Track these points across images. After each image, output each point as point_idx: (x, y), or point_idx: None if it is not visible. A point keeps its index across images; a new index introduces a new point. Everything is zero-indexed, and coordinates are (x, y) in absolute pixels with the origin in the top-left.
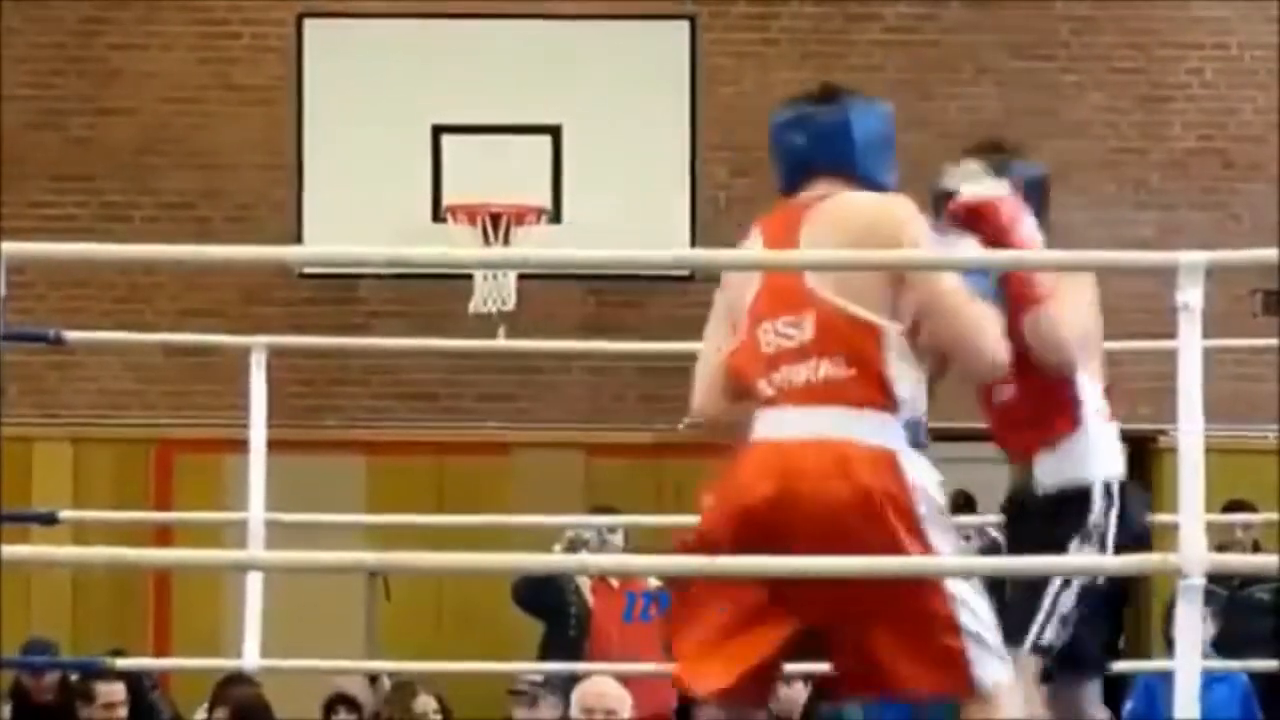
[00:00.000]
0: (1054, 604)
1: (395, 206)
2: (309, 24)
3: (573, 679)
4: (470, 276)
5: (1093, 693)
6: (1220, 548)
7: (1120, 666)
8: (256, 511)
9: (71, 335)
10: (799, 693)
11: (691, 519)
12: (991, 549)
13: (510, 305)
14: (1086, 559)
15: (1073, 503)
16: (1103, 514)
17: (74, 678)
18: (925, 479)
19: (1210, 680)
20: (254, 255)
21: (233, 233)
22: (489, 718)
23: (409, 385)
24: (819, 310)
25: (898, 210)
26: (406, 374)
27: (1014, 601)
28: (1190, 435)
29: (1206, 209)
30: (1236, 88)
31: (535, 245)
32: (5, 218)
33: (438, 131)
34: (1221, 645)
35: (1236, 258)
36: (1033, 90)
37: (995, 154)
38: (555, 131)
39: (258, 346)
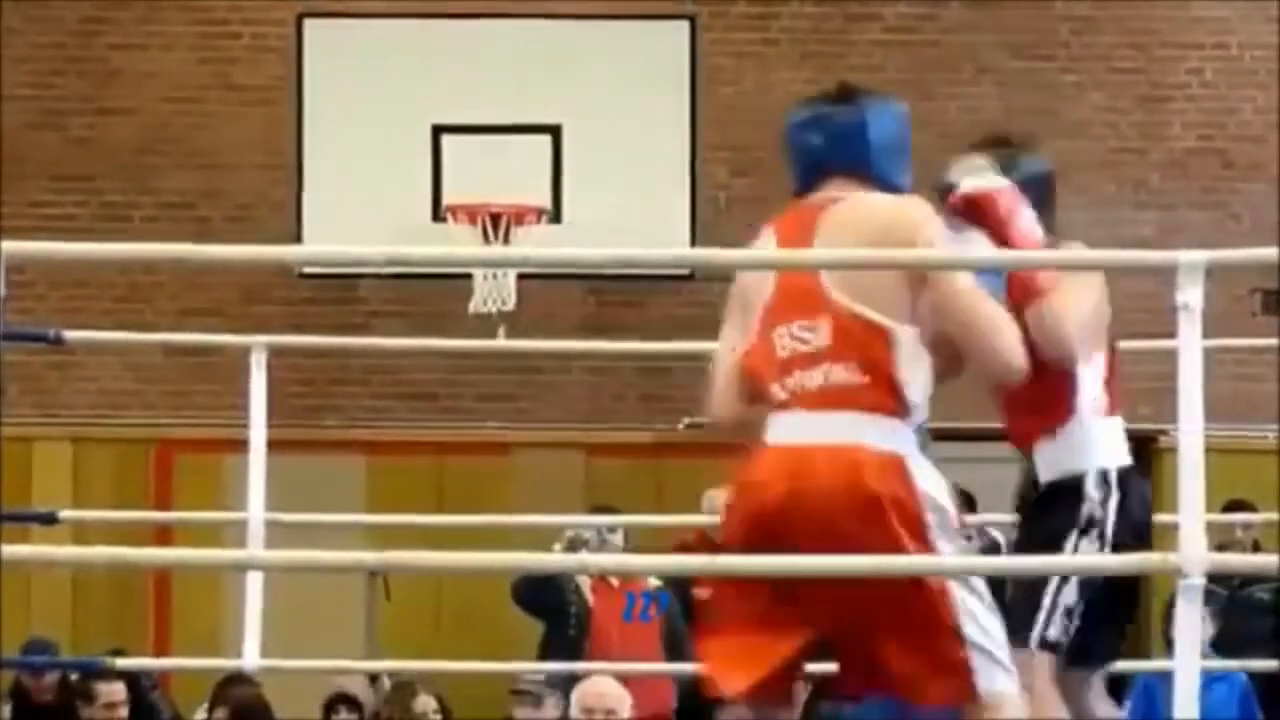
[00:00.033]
0: (1056, 599)
1: (395, 206)
2: (309, 24)
3: (573, 679)
4: (470, 276)
5: (1098, 686)
6: (1220, 547)
7: (1119, 666)
8: (256, 511)
9: (71, 335)
10: (799, 692)
11: (691, 519)
12: (992, 549)
13: (510, 305)
14: (1086, 559)
15: (1067, 494)
16: (1099, 504)
17: (74, 678)
18: (934, 486)
19: (1209, 680)
20: (254, 255)
21: (233, 233)
22: (489, 718)
23: (409, 385)
24: (834, 314)
25: (913, 212)
26: (406, 374)
27: (1016, 600)
28: (1190, 435)
29: (1206, 209)
30: (1236, 88)
31: (535, 245)
32: (5, 218)
33: (438, 131)
34: (1221, 645)
35: (1236, 257)
36: (1033, 90)
37: (1001, 149)
38: (555, 131)
39: (258, 346)
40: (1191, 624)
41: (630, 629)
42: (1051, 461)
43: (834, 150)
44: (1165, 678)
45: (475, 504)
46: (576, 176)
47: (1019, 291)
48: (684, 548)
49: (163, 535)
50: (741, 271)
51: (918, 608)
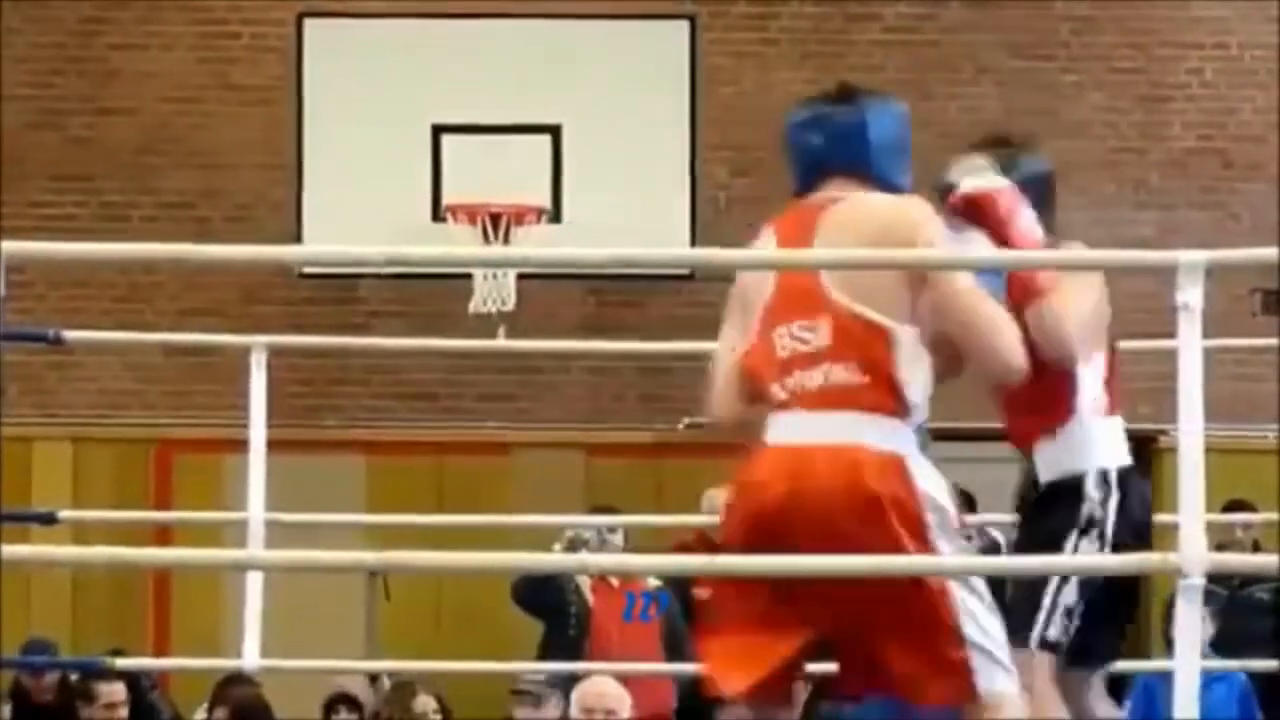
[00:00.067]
0: (1056, 599)
1: (395, 206)
2: (309, 24)
3: (573, 679)
4: (470, 276)
5: (1098, 686)
6: (1220, 547)
7: (1119, 666)
8: (256, 511)
9: (71, 335)
10: (799, 692)
11: (691, 519)
12: (991, 549)
13: (510, 305)
14: (1086, 558)
15: (1066, 494)
16: (1099, 504)
17: (74, 678)
18: (934, 486)
19: (1209, 680)
20: (254, 255)
21: (232, 232)
22: (489, 718)
23: (409, 385)
24: (834, 314)
25: (913, 212)
26: (406, 374)
27: (1015, 600)
28: (1190, 435)
29: (1206, 208)
30: (1236, 88)
31: (535, 245)
32: (5, 217)
33: (438, 131)
34: (1221, 645)
35: (1236, 257)
36: (1033, 90)
37: (1001, 148)
38: (555, 131)
39: (257, 346)
40: (1191, 624)
41: (630, 629)
42: (1051, 461)
43: (834, 150)
44: (1165, 678)
45: (475, 504)
46: (576, 176)
47: (1019, 292)
48: (684, 548)
49: (162, 535)
50: (741, 271)
51: (917, 608)
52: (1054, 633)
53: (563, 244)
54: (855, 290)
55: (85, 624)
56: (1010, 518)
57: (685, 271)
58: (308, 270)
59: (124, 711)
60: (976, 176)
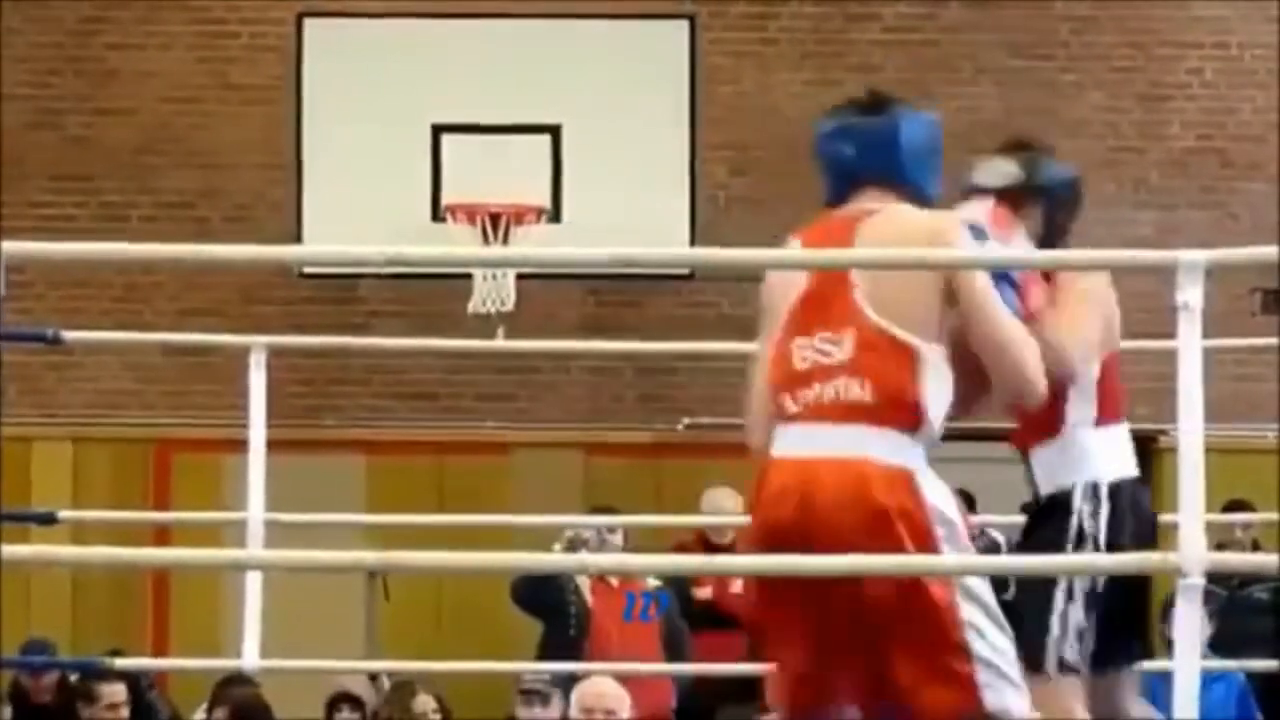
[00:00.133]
0: (1064, 622)
1: (395, 206)
2: (308, 23)
3: (572, 678)
4: (469, 276)
5: (1130, 685)
6: (1219, 547)
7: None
8: (255, 511)
9: (70, 335)
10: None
11: (690, 519)
12: (991, 550)
13: (509, 305)
14: (1086, 558)
15: (1057, 509)
16: (1089, 516)
17: (74, 678)
18: (942, 500)
19: (1208, 679)
20: (253, 255)
21: (232, 232)
22: (488, 718)
23: (409, 385)
24: (860, 328)
25: (950, 234)
26: (406, 374)
27: (1026, 631)
28: (1190, 435)
29: (1205, 208)
30: (1236, 87)
31: (535, 245)
32: (4, 218)
33: (437, 131)
34: (1220, 645)
35: (1236, 257)
36: (1032, 90)
37: (1024, 151)
38: (555, 131)
39: (257, 346)
40: (1191, 624)
41: (630, 629)
42: (1047, 473)
43: (866, 160)
44: (1165, 677)
45: (475, 504)
46: (576, 176)
47: (1027, 314)
48: (683, 548)
49: (162, 535)
50: (769, 284)
51: (922, 620)
52: (1070, 655)
53: (562, 244)
54: (885, 305)
55: (85, 624)
56: (1009, 519)
57: (685, 271)
58: (307, 270)
59: (125, 712)
60: (999, 178)
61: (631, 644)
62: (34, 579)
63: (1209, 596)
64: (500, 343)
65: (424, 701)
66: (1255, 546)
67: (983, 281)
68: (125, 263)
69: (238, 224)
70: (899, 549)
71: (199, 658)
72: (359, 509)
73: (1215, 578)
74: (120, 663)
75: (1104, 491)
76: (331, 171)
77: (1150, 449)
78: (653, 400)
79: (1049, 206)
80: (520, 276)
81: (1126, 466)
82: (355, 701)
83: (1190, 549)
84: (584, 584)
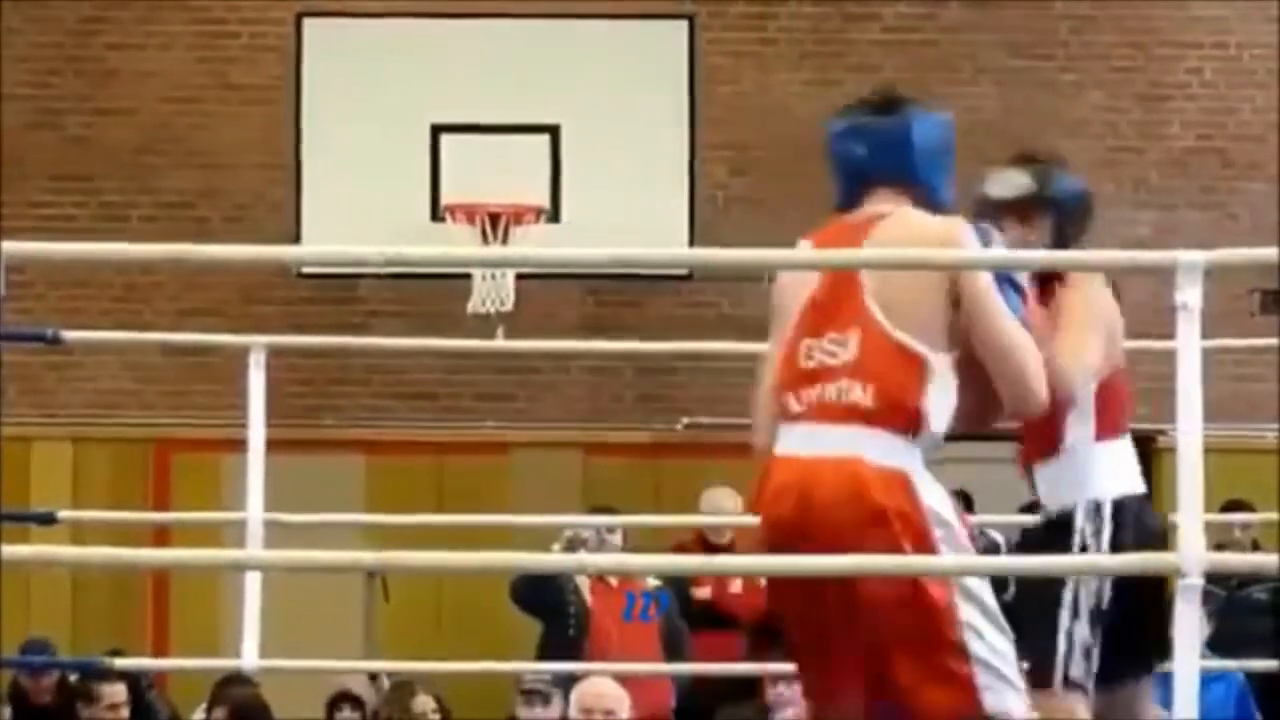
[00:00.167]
0: (1070, 638)
1: (394, 206)
2: (308, 23)
3: (572, 678)
4: (469, 276)
5: (1145, 693)
6: (1219, 547)
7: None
8: (255, 511)
9: (70, 335)
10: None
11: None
12: (991, 550)
13: (509, 305)
14: (1087, 559)
15: (1060, 530)
16: (1092, 536)
17: (73, 678)
18: (939, 502)
19: (1207, 679)
20: (253, 255)
21: (231, 232)
22: (488, 718)
23: (408, 385)
24: (866, 330)
25: (962, 242)
26: (406, 374)
27: (1033, 648)
28: (1189, 435)
29: (1205, 208)
30: (1236, 87)
31: (534, 245)
32: (4, 218)
33: (437, 131)
34: (1219, 645)
35: (1235, 257)
36: (1032, 89)
37: (1037, 163)
38: (554, 131)
39: (256, 346)
40: (1190, 624)
41: (629, 629)
42: (1051, 492)
43: (878, 160)
44: (1164, 677)
45: (474, 504)
46: (575, 176)
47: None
48: (682, 548)
49: (161, 535)
50: (780, 284)
51: (920, 620)
52: (1076, 671)
53: (561, 244)
54: (895, 311)
55: (84, 624)
56: (1009, 519)
57: (684, 271)
58: (307, 270)
59: (125, 712)
60: (1009, 189)
61: (631, 644)
62: (34, 579)
63: (1208, 597)
64: (500, 343)
65: (424, 701)
66: (1255, 547)
67: (985, 282)
68: (125, 263)
69: (237, 224)
70: (896, 548)
71: (199, 658)
72: (358, 509)
73: (1214, 578)
74: (120, 663)
75: (1107, 510)
76: (331, 171)
77: (1150, 449)
78: (652, 400)
79: (1059, 218)
80: (520, 276)
81: (1130, 483)
82: (356, 701)
83: (1189, 549)
84: (583, 584)
